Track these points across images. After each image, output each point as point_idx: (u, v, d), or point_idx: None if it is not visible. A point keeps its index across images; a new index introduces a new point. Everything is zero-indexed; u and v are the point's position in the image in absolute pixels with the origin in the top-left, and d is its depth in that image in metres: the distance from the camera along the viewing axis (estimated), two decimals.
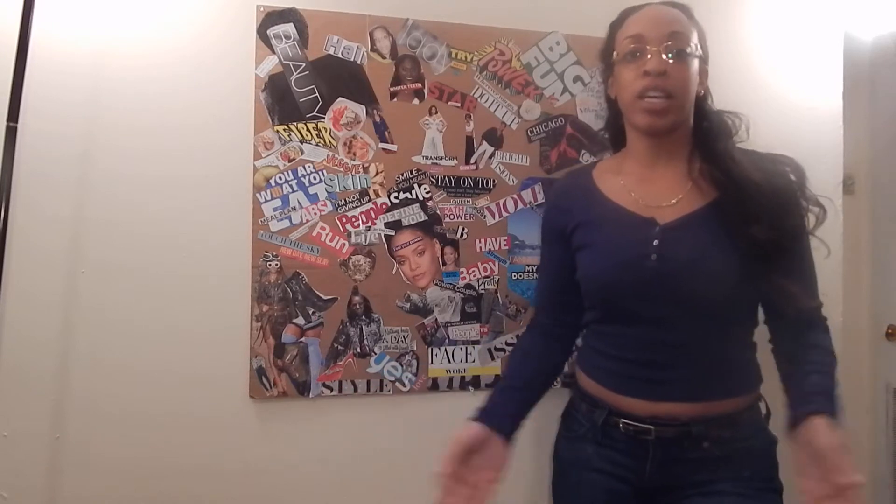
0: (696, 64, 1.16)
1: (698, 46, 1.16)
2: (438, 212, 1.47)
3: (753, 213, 1.09)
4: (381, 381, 1.45)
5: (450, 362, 1.47)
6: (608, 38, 1.23)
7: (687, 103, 1.16)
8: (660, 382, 1.14)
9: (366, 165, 1.44)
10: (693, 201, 1.16)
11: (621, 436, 1.17)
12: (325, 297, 1.42)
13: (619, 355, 1.19)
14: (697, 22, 1.20)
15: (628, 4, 1.24)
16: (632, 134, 1.23)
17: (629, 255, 1.15)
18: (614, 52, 1.19)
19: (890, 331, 1.97)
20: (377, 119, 1.44)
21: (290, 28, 1.41)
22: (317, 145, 1.42)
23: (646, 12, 1.18)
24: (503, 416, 1.21)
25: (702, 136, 1.20)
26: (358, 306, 1.43)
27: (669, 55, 1.12)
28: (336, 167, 1.43)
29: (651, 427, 1.14)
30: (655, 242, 1.13)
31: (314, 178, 1.42)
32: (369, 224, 1.44)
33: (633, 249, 1.15)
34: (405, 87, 1.46)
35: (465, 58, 1.49)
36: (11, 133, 1.24)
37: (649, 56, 1.12)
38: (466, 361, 1.48)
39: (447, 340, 1.47)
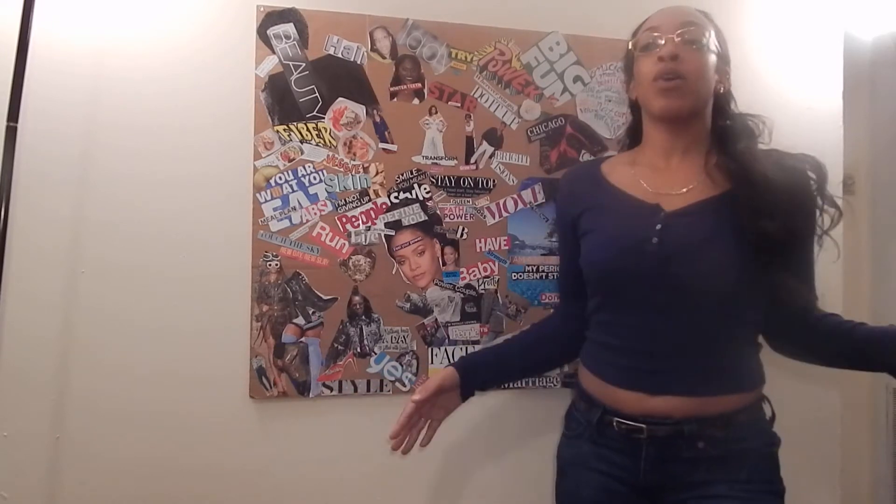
0: (711, 57, 1.18)
1: (715, 43, 1.19)
2: (438, 212, 1.47)
3: (766, 208, 1.09)
4: (381, 381, 1.44)
5: (450, 362, 1.47)
6: (630, 42, 1.25)
7: (701, 89, 1.17)
8: (656, 373, 1.14)
9: (366, 165, 1.44)
10: (703, 191, 1.17)
11: (615, 434, 1.17)
12: (325, 297, 1.42)
13: (618, 345, 1.19)
14: (717, 25, 1.22)
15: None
16: (649, 126, 1.24)
17: (631, 239, 1.16)
18: (633, 47, 1.23)
19: None
20: (377, 119, 1.44)
21: (290, 28, 1.41)
22: (317, 145, 1.42)
23: (663, 9, 1.22)
24: (478, 366, 1.31)
25: (721, 133, 1.21)
26: (358, 306, 1.43)
27: (681, 41, 1.15)
28: (336, 167, 1.43)
29: (643, 426, 1.14)
30: (658, 227, 1.14)
31: (314, 178, 1.42)
32: (369, 224, 1.44)
33: (635, 234, 1.15)
34: (405, 87, 1.46)
35: (465, 58, 1.49)
36: (11, 133, 1.24)
37: (663, 42, 1.16)
38: None
39: (447, 340, 1.47)
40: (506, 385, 1.49)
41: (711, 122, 1.22)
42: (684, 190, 1.17)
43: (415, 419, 1.22)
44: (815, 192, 1.16)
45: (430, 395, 1.22)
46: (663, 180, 1.19)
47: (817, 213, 1.17)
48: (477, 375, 1.29)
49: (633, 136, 1.33)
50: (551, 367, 1.47)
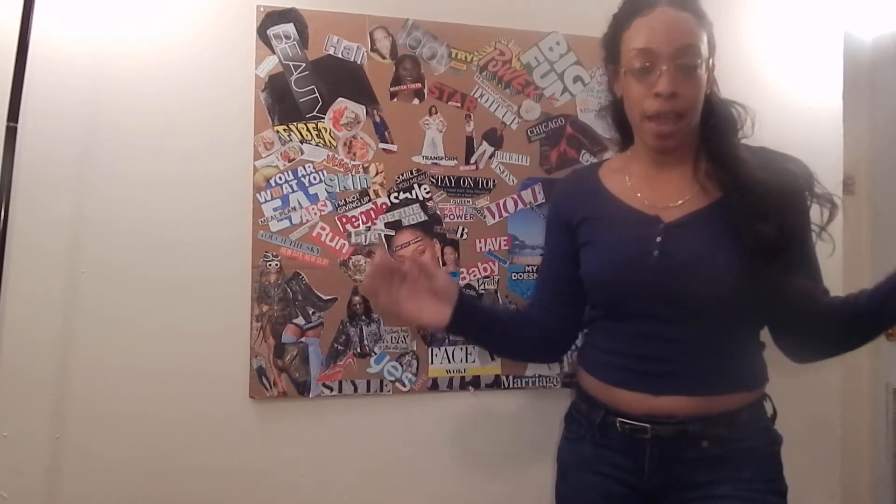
0: (704, 69, 1.13)
1: (708, 51, 1.14)
2: (438, 212, 1.47)
3: (760, 211, 1.09)
4: (381, 381, 1.44)
5: (450, 362, 1.47)
6: (613, 30, 1.19)
7: (696, 118, 1.16)
8: (658, 375, 1.14)
9: (366, 165, 1.44)
10: (698, 201, 1.17)
11: (618, 435, 1.17)
12: (325, 297, 1.42)
13: (620, 349, 1.19)
14: (706, 17, 1.16)
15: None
16: (639, 139, 1.22)
17: (632, 252, 1.16)
18: (621, 60, 1.16)
19: (890, 331, 1.96)
20: (377, 119, 1.44)
21: (290, 28, 1.40)
22: (317, 145, 1.42)
23: (655, 18, 1.12)
24: (475, 304, 1.30)
25: (708, 133, 1.19)
26: (358, 306, 1.43)
27: (678, 71, 1.10)
28: (336, 167, 1.43)
29: (647, 425, 1.14)
30: (658, 239, 1.14)
31: (314, 178, 1.42)
32: (369, 224, 1.44)
33: (636, 247, 1.15)
34: (405, 87, 1.46)
35: (465, 58, 1.49)
36: (11, 133, 1.24)
37: (659, 74, 1.10)
38: (466, 361, 1.48)
39: (447, 340, 1.47)
40: (504, 385, 1.49)
41: (699, 119, 1.18)
42: (680, 202, 1.17)
43: (389, 273, 1.13)
44: (804, 189, 1.15)
45: (422, 266, 1.15)
46: (659, 191, 1.19)
47: (811, 208, 1.16)
48: (470, 314, 1.21)
49: (620, 128, 1.30)
50: (526, 352, 1.39)
